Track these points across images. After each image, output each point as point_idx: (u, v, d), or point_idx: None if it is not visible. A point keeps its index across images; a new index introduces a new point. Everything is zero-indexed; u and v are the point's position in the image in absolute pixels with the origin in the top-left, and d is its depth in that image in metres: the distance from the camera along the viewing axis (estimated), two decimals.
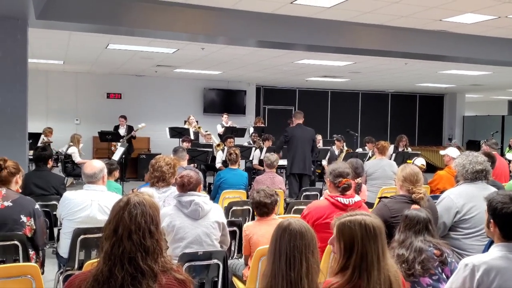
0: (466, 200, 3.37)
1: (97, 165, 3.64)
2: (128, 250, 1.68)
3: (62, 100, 12.37)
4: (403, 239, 2.72)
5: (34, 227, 3.37)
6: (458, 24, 6.63)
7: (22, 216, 3.31)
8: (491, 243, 2.55)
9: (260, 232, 3.35)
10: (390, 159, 7.75)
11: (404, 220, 2.79)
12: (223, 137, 9.85)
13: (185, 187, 3.29)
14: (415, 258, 2.61)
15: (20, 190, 3.63)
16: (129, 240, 1.69)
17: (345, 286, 1.89)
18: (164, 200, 3.79)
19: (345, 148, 10.12)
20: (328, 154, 9.46)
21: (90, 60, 10.10)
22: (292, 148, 7.43)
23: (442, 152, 6.14)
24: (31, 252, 3.34)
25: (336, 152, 9.75)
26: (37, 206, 3.48)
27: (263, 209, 3.49)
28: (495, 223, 2.22)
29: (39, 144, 8.76)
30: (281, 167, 8.50)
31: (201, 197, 3.29)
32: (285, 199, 6.14)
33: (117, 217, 1.72)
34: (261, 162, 8.45)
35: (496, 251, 2.18)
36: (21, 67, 5.46)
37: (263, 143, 9.35)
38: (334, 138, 10.26)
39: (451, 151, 5.79)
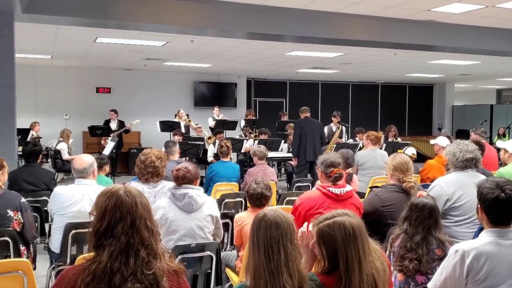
0: (456, 188, 3.40)
1: (87, 160, 3.61)
2: (132, 242, 1.67)
3: (51, 95, 12.24)
4: (412, 234, 2.66)
5: (22, 221, 3.36)
6: (446, 14, 6.66)
7: (8, 211, 3.30)
8: (480, 230, 2.58)
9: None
10: (381, 149, 7.79)
11: (414, 210, 2.70)
12: (214, 131, 9.83)
13: (179, 180, 3.28)
14: (419, 260, 2.59)
15: (3, 186, 3.59)
16: (133, 232, 1.67)
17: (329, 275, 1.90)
18: (154, 195, 3.76)
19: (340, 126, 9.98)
20: (326, 129, 9.52)
21: (79, 54, 9.99)
22: (302, 140, 7.92)
23: (432, 142, 6.18)
24: (22, 248, 3.33)
25: (334, 129, 9.76)
26: (23, 199, 3.46)
27: (262, 200, 3.54)
28: (482, 209, 2.26)
29: (28, 140, 8.68)
30: (271, 159, 8.54)
31: (194, 190, 3.28)
32: (277, 191, 6.16)
33: (114, 209, 1.69)
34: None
35: (486, 237, 2.22)
36: (8, 62, 5.38)
37: (259, 136, 9.35)
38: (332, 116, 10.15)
39: (440, 140, 5.84)
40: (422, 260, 2.59)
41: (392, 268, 2.56)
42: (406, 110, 17.31)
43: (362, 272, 1.85)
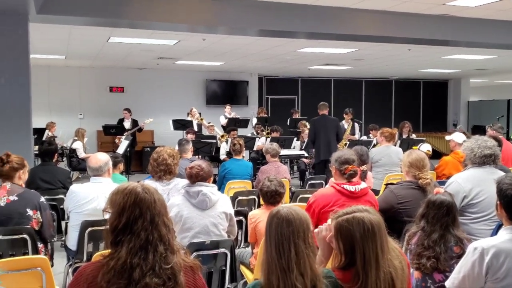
0: (473, 184, 3.35)
1: (102, 158, 3.64)
2: (151, 238, 1.68)
3: (65, 95, 12.37)
4: (430, 232, 2.63)
5: (41, 220, 3.39)
6: (461, 8, 6.56)
7: (28, 210, 3.33)
8: (499, 227, 2.54)
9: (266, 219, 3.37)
10: (395, 145, 7.72)
11: (431, 208, 2.66)
12: (227, 129, 9.85)
13: (193, 178, 3.30)
14: (436, 258, 2.55)
15: (24, 185, 3.63)
16: (152, 228, 1.69)
17: (347, 270, 1.88)
18: (168, 192, 3.78)
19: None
20: None
21: (92, 54, 10.08)
22: (318, 138, 7.88)
23: (447, 138, 6.10)
24: (40, 245, 3.37)
25: (345, 126, 9.72)
26: (42, 199, 3.49)
27: (276, 198, 3.54)
28: (501, 205, 2.21)
29: (44, 139, 8.80)
30: (284, 156, 8.53)
31: (208, 188, 3.29)
32: (290, 188, 6.15)
33: (133, 206, 1.71)
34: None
35: (505, 234, 2.18)
36: (23, 62, 5.45)
37: (271, 134, 9.35)
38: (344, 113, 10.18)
39: (456, 136, 5.76)
40: (440, 258, 2.55)
41: None
42: (420, 106, 17.11)
43: (379, 269, 1.83)
